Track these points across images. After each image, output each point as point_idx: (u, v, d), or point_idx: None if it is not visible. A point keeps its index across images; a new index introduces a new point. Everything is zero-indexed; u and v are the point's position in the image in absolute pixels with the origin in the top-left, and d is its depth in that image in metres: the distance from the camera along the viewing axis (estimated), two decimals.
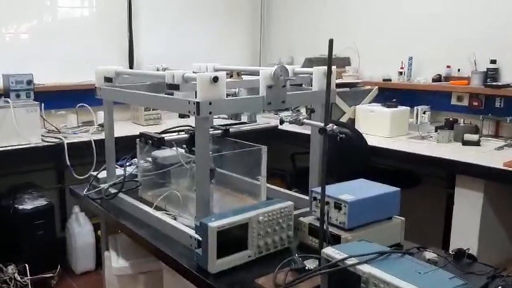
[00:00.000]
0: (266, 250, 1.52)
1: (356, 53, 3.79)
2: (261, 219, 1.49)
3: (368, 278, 1.10)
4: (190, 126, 2.04)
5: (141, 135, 2.01)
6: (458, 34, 3.26)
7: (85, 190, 2.20)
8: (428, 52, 3.39)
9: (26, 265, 3.05)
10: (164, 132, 1.99)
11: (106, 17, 3.98)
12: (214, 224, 1.39)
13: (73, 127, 3.52)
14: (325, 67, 1.75)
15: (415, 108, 3.17)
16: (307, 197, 1.89)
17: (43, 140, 3.16)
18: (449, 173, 2.64)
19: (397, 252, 1.19)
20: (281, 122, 1.57)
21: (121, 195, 2.03)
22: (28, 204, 3.19)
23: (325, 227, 1.37)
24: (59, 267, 3.26)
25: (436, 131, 3.02)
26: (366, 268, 1.12)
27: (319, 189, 1.58)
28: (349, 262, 1.15)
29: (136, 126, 3.76)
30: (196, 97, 1.47)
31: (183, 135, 1.99)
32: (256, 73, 1.83)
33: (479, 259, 1.53)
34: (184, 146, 2.01)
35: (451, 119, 3.02)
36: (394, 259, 1.18)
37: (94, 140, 3.19)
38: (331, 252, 1.20)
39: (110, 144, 2.15)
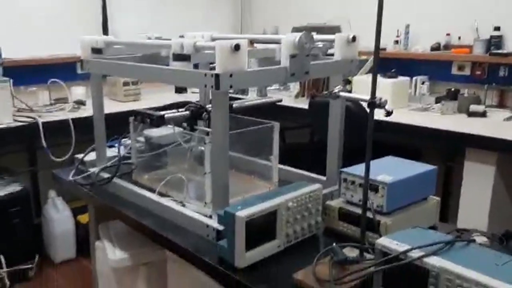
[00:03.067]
0: (295, 239, 1.37)
1: (347, 21, 3.62)
2: (291, 205, 1.33)
3: (439, 272, 0.96)
4: (192, 102, 1.86)
5: (137, 113, 1.80)
6: (458, 0, 3.12)
7: (71, 175, 1.99)
8: (425, 19, 3.24)
9: (1, 257, 2.82)
10: (157, 109, 1.79)
11: None
12: (242, 213, 1.22)
13: (45, 105, 3.27)
14: (348, 34, 1.60)
15: (414, 78, 3.04)
16: (322, 177, 1.76)
17: (15, 120, 2.90)
18: (449, 146, 2.55)
19: (462, 240, 1.05)
20: (313, 96, 1.39)
21: (115, 179, 1.83)
22: (1, 191, 2.93)
23: (371, 215, 1.22)
24: (37, 256, 3.05)
25: (436, 102, 2.91)
26: (435, 261, 0.98)
27: (350, 169, 1.44)
28: (414, 254, 1.00)
29: (114, 103, 3.53)
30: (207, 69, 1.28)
31: (184, 113, 1.80)
32: (269, 42, 1.65)
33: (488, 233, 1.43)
34: (185, 124, 1.81)
35: (453, 89, 2.90)
36: (460, 248, 1.04)
37: (72, 119, 2.95)
38: (388, 243, 1.05)
39: (99, 124, 1.94)
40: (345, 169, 1.44)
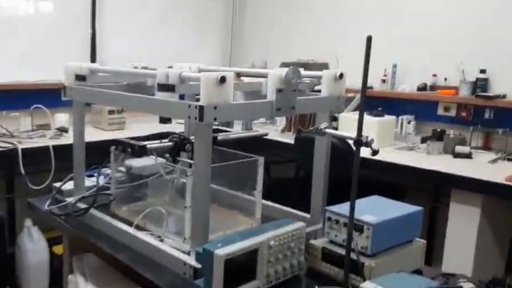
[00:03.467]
0: (276, 280, 1.31)
1: (335, 58, 3.65)
2: (273, 244, 1.28)
3: None
4: (175, 132, 1.82)
5: (118, 142, 1.75)
6: (445, 42, 3.18)
7: (47, 204, 1.91)
8: (413, 60, 3.28)
9: None
10: (139, 139, 1.75)
11: (66, 14, 3.67)
12: (221, 251, 1.17)
13: (27, 131, 3.20)
14: (336, 70, 1.59)
15: (400, 117, 3.05)
16: (306, 214, 1.71)
17: None
18: (434, 186, 2.53)
19: (449, 287, 1.01)
20: (299, 132, 1.36)
21: (92, 210, 1.76)
22: None
23: (355, 256, 1.17)
24: None
25: (422, 142, 2.90)
26: None
27: (335, 208, 1.40)
28: None
29: (98, 131, 3.48)
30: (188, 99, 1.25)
31: (167, 143, 1.76)
32: (255, 76, 1.63)
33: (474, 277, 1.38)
34: (167, 155, 1.77)
35: (438, 129, 2.91)
36: None
37: (53, 146, 2.88)
38: None
39: (79, 152, 1.87)
40: (329, 208, 1.40)
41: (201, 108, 1.24)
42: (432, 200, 2.96)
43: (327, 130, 1.28)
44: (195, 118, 1.26)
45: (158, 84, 1.43)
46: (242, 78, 1.60)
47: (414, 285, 1.00)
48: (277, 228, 1.33)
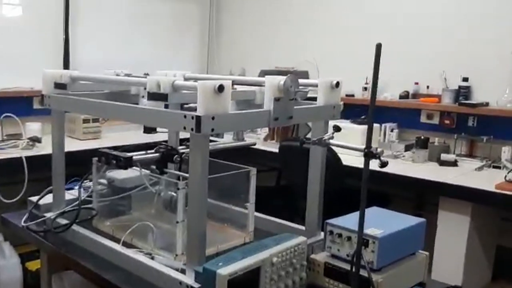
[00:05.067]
0: None
1: (315, 67, 3.62)
2: (275, 261, 1.22)
3: None
4: (162, 142, 1.73)
5: (101, 153, 1.65)
6: (427, 50, 3.19)
7: (23, 219, 1.80)
8: (394, 67, 3.27)
9: None
10: (123, 149, 1.66)
11: (37, 19, 3.53)
12: (224, 271, 1.10)
13: None
14: (333, 79, 1.54)
15: (383, 125, 3.03)
16: (300, 227, 1.66)
17: None
18: (419, 194, 2.51)
19: None
20: (302, 142, 1.30)
21: (74, 226, 1.66)
22: None
23: (366, 273, 1.12)
24: None
25: (406, 150, 2.89)
26: None
27: (337, 221, 1.35)
28: None
29: (72, 140, 3.35)
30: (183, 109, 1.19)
31: (153, 155, 1.67)
32: (250, 84, 1.57)
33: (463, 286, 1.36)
34: (154, 167, 1.68)
35: (422, 137, 2.90)
36: None
37: (26, 157, 2.75)
38: None
39: (59, 165, 1.76)
40: (331, 221, 1.35)
41: (198, 118, 1.17)
42: (415, 208, 2.94)
43: (331, 141, 1.22)
44: (191, 129, 1.19)
45: (148, 92, 1.36)
46: (235, 86, 1.53)
47: None
48: (278, 244, 1.26)
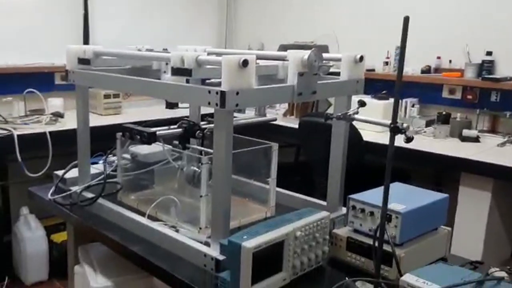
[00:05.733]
0: (301, 271, 1.27)
1: (335, 40, 3.58)
2: (299, 235, 1.23)
3: None
4: (185, 118, 1.75)
5: (125, 128, 1.68)
6: (450, 24, 3.12)
7: (50, 193, 1.85)
8: (416, 42, 3.21)
9: None
10: (146, 124, 1.68)
11: None
12: (249, 243, 1.12)
13: (20, 116, 3.09)
14: (356, 53, 1.53)
15: (404, 100, 3.00)
16: (321, 202, 1.67)
17: None
18: (443, 170, 2.49)
19: (493, 278, 0.97)
20: (326, 118, 1.30)
21: (100, 200, 1.70)
22: None
23: (391, 249, 1.13)
24: (6, 278, 2.85)
25: (427, 125, 2.86)
26: None
27: (360, 197, 1.35)
28: None
29: (94, 116, 3.37)
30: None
31: (176, 130, 1.69)
32: (273, 58, 1.56)
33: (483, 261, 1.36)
34: (176, 142, 1.70)
35: (444, 113, 2.87)
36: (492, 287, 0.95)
37: (49, 132, 2.79)
38: (415, 281, 0.96)
39: (84, 139, 1.80)
40: (354, 196, 1.36)
41: (223, 93, 1.18)
42: (435, 184, 2.93)
43: (356, 116, 1.22)
44: (216, 105, 1.20)
45: (172, 68, 1.36)
46: (258, 61, 1.53)
47: (456, 276, 0.96)
48: (302, 218, 1.28)
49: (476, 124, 2.89)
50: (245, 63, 1.19)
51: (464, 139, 2.66)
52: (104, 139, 1.86)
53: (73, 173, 1.88)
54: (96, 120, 3.14)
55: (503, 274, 1.24)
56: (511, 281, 1.22)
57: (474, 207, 2.35)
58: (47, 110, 3.18)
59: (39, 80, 3.31)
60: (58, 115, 3.12)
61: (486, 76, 2.86)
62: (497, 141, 2.69)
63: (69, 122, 2.91)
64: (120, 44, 1.90)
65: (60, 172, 1.92)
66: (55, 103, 3.23)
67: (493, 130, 2.89)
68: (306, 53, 1.33)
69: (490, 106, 2.94)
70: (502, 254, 2.54)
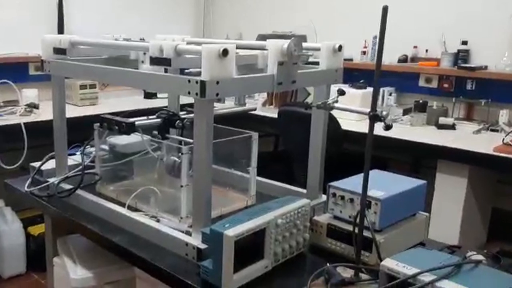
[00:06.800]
0: (283, 257, 1.28)
1: (313, 31, 3.59)
2: (280, 222, 1.24)
3: None
4: (164, 108, 1.74)
5: (103, 119, 1.66)
6: (426, 14, 3.15)
7: (26, 185, 1.82)
8: (393, 31, 3.23)
9: None
10: (124, 115, 1.66)
11: None
12: (231, 232, 1.12)
13: None
14: (335, 42, 1.53)
15: (381, 89, 3.03)
16: (301, 190, 1.68)
17: None
18: (420, 158, 2.54)
19: (471, 261, 1.00)
20: (306, 107, 1.31)
21: (78, 191, 1.68)
22: None
23: (371, 235, 1.15)
24: None
25: (404, 114, 2.90)
26: (447, 285, 0.91)
27: (340, 184, 1.37)
28: (424, 278, 0.93)
29: (69, 107, 3.28)
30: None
31: (155, 120, 1.68)
32: (252, 48, 1.55)
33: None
34: (155, 132, 1.69)
35: (420, 101, 2.91)
36: (470, 271, 0.98)
37: (24, 123, 2.75)
38: (395, 265, 0.98)
39: (61, 130, 1.77)
40: (334, 184, 1.37)
41: (203, 83, 1.17)
42: (412, 171, 2.98)
43: (336, 105, 1.23)
44: (196, 94, 1.19)
45: (151, 57, 1.35)
46: (237, 51, 1.52)
47: (435, 260, 0.98)
48: (283, 206, 1.29)
49: (452, 112, 2.94)
50: (225, 52, 1.19)
51: (441, 127, 2.71)
52: (80, 130, 1.83)
53: (50, 164, 1.85)
54: (72, 111, 3.08)
55: (480, 257, 1.28)
56: (488, 264, 1.27)
57: (450, 193, 2.40)
58: (21, 101, 3.12)
59: (12, 71, 3.25)
60: (33, 106, 3.07)
61: (461, 65, 2.91)
62: (473, 128, 2.74)
63: (44, 113, 2.86)
64: (96, 35, 1.87)
65: (36, 164, 1.89)
66: (29, 94, 3.16)
67: (468, 118, 2.95)
68: (285, 42, 1.33)
69: (465, 94, 2.99)
70: (478, 238, 2.61)
